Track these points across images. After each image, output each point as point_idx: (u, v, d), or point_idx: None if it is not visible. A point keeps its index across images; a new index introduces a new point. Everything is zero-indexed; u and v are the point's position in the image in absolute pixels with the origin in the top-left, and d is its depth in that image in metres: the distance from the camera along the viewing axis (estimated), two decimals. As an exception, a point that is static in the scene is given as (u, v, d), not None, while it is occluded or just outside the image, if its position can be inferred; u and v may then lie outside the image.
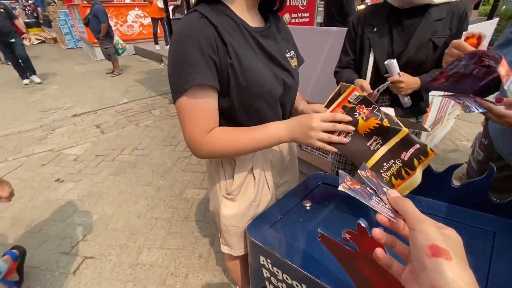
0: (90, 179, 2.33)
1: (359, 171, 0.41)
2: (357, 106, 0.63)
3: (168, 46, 6.84)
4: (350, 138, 0.62)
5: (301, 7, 2.14)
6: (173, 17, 6.37)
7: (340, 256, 0.50)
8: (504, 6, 8.55)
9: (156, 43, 6.79)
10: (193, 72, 0.55)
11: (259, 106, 0.66)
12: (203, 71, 0.56)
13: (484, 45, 0.68)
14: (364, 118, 0.62)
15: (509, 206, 0.67)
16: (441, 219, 0.71)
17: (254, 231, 0.77)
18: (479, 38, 0.69)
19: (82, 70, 5.99)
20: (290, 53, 0.72)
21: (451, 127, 3.05)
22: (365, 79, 1.10)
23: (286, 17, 2.07)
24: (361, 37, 1.09)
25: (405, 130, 0.59)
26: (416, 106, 1.14)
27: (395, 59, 0.95)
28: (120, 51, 5.18)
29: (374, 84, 1.06)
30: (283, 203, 0.86)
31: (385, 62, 0.95)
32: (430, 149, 0.59)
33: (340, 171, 0.42)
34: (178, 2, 7.28)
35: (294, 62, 0.73)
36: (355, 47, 1.13)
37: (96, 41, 5.25)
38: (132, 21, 7.50)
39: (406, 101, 1.10)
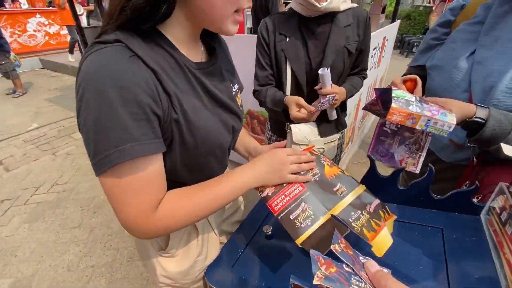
0: (-6, 234, 1.84)
1: (331, 247, 0.36)
2: (322, 155, 0.66)
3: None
4: (318, 179, 0.60)
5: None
6: (89, 25, 5.67)
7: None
8: (399, 7, 10.18)
9: (71, 52, 5.89)
10: (127, 139, 0.40)
11: (207, 161, 0.56)
12: (144, 135, 0.41)
13: (419, 89, 0.73)
14: (329, 164, 0.64)
15: (449, 201, 0.72)
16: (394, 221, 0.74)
17: (214, 277, 0.67)
18: (415, 81, 0.74)
19: (-31, 93, 4.81)
20: (235, 88, 0.63)
21: (374, 118, 3.44)
22: (286, 94, 1.03)
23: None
24: (274, 49, 1.00)
25: (362, 186, 0.62)
26: (340, 119, 1.12)
27: (328, 69, 0.92)
28: (17, 68, 4.32)
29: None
30: (241, 234, 0.78)
31: (320, 72, 0.91)
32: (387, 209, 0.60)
33: (311, 251, 0.35)
34: (92, 7, 6.49)
35: (239, 100, 0.65)
36: (271, 60, 1.03)
37: (-16, 56, 4.26)
38: (34, 30, 6.36)
39: (334, 114, 1.07)
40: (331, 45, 0.95)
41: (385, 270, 0.35)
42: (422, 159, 0.69)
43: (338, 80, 1.04)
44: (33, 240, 1.77)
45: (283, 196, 0.56)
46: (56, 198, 2.16)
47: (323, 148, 1.09)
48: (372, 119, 3.34)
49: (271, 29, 0.99)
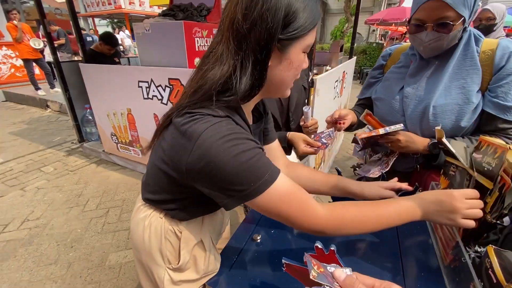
0: (-45, 279, 1.68)
1: (310, 275, 0.44)
2: None
3: (55, 89, 5.94)
4: None
5: (208, 52, 2.31)
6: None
7: (304, 278, 0.57)
8: (356, 44, 11.50)
9: (37, 88, 5.73)
10: (264, 171, 0.53)
11: None
12: (269, 163, 0.55)
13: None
14: None
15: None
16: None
17: (214, 280, 0.77)
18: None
19: None
20: None
21: (342, 140, 3.77)
22: None
23: (197, 61, 2.19)
24: None
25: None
26: None
27: (310, 107, 1.14)
28: None
29: None
30: (235, 242, 0.89)
31: (304, 110, 1.12)
32: None
33: (306, 256, 0.45)
34: (63, 41, 6.51)
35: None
36: None
37: None
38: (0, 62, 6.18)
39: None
40: (294, 86, 1.18)
41: (347, 270, 0.43)
42: (384, 170, 0.95)
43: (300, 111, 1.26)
44: (4, 281, 1.65)
45: None
46: (28, 234, 2.04)
47: None
48: (340, 142, 3.66)
49: None
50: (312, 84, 1.62)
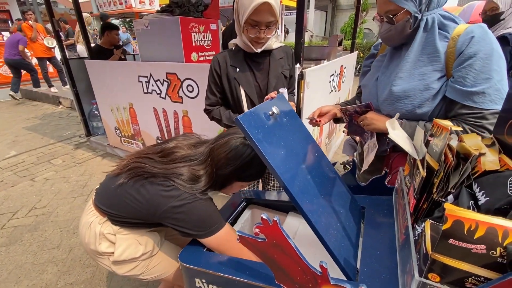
0: (-33, 260, 1.81)
1: None
2: None
3: (66, 86, 6.17)
4: None
5: (206, 47, 2.36)
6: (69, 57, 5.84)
7: (256, 250, 0.61)
8: (365, 40, 11.28)
9: (51, 85, 5.98)
10: (219, 219, 0.85)
11: None
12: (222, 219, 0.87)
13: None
14: None
15: (370, 186, 0.93)
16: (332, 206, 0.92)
17: (186, 258, 0.82)
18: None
19: None
20: None
21: (344, 135, 3.75)
22: (243, 111, 1.20)
23: (194, 55, 2.25)
24: (227, 78, 1.23)
25: None
26: None
27: (286, 89, 1.17)
28: None
29: None
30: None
31: (280, 90, 1.15)
32: None
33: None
34: (72, 41, 6.73)
35: None
36: (222, 87, 1.26)
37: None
38: (15, 61, 6.44)
39: None
40: (272, 72, 1.23)
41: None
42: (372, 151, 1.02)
43: None
44: (10, 263, 1.77)
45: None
46: (35, 221, 2.17)
47: None
48: (341, 138, 3.64)
49: (222, 64, 1.22)
50: (301, 76, 1.63)
